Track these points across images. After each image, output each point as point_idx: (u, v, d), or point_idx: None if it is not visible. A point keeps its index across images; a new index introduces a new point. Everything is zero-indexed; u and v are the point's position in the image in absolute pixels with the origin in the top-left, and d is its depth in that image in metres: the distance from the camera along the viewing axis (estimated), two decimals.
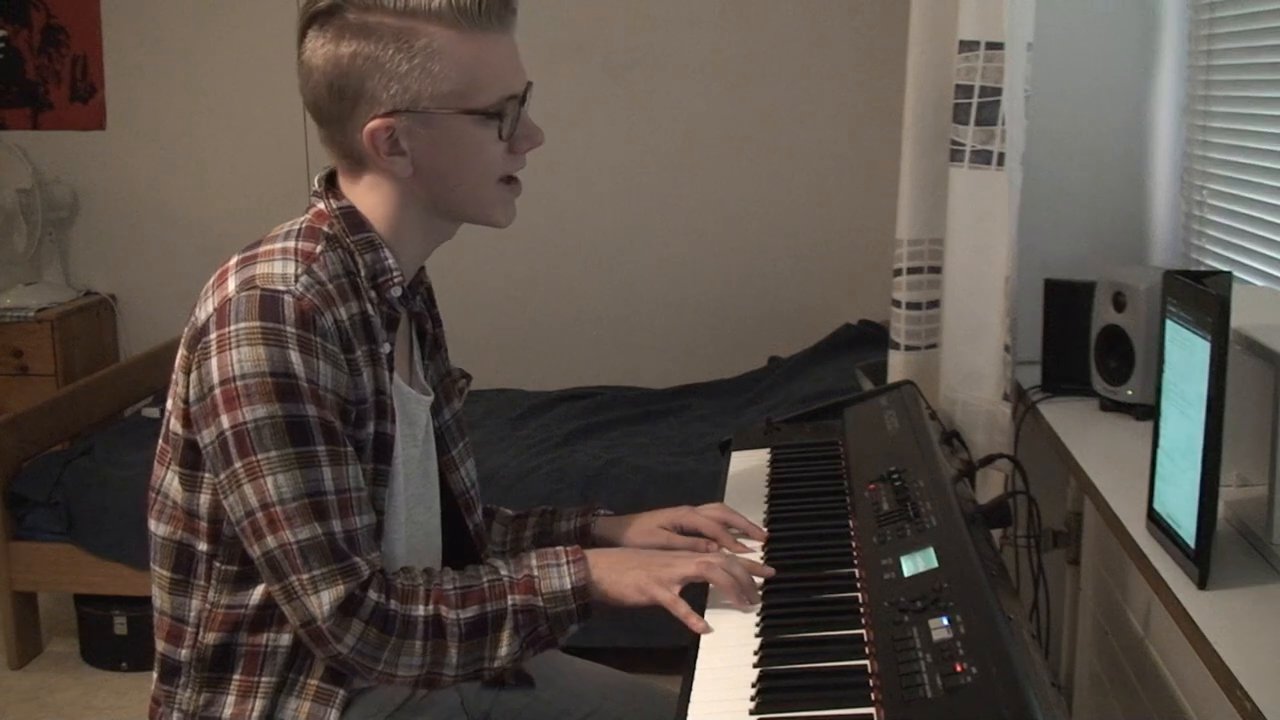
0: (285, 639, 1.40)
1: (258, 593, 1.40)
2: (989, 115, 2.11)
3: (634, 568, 1.43)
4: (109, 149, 4.29)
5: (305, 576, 1.32)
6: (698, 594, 1.45)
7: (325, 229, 1.41)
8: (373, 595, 1.34)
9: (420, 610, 1.36)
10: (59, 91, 4.28)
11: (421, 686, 1.41)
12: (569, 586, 1.40)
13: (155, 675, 1.48)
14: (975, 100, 2.13)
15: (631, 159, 4.16)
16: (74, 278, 4.36)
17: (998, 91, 2.10)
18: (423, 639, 1.36)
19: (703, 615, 1.41)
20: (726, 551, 1.53)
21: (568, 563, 1.42)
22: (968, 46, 2.13)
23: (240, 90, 4.21)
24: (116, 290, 4.36)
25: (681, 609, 1.39)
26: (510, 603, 1.39)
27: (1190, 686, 1.61)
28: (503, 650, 1.38)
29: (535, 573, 1.41)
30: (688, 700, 1.27)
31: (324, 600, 1.32)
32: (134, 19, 4.22)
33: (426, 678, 1.38)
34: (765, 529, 1.63)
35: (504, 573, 1.41)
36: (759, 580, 1.46)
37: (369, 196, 1.43)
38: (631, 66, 4.11)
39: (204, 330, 1.34)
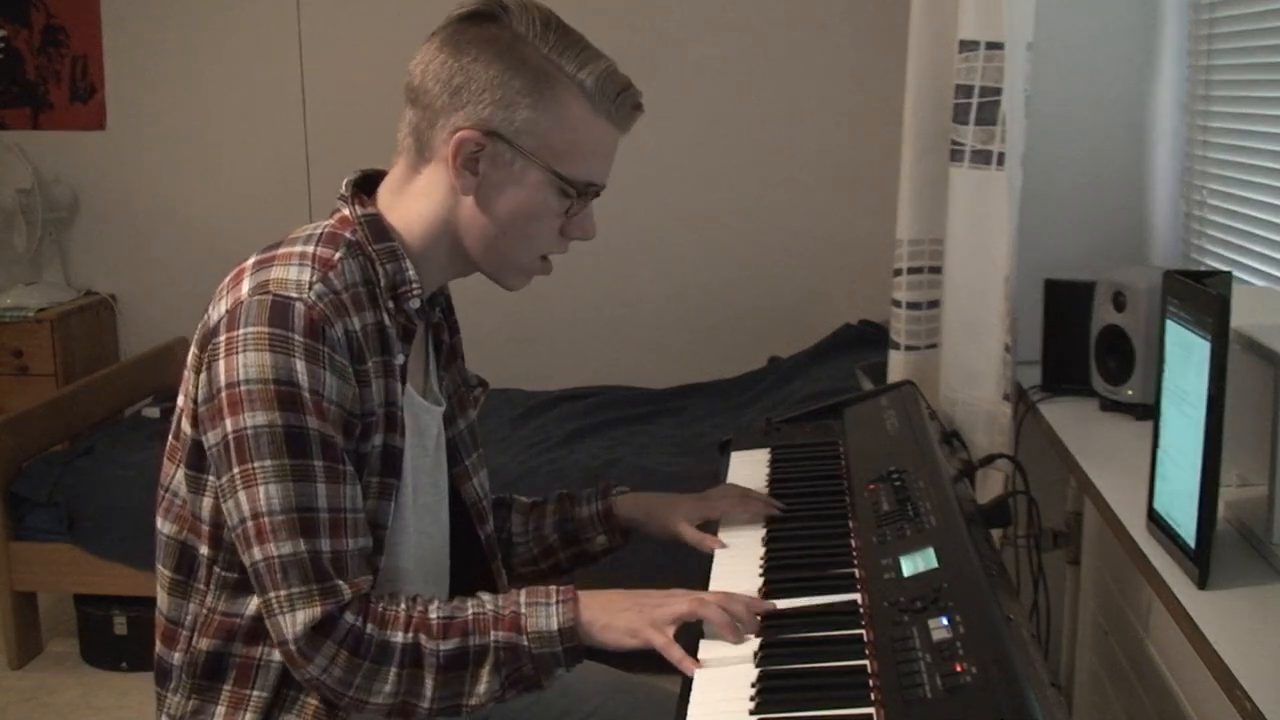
0: (279, 654, 1.38)
1: (254, 603, 1.38)
2: (989, 115, 2.11)
3: (626, 609, 1.38)
4: (109, 149, 4.29)
5: (283, 593, 1.30)
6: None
7: (348, 235, 1.40)
8: (348, 618, 1.31)
9: (399, 637, 1.33)
10: (59, 91, 4.28)
11: (396, 717, 1.36)
12: (555, 628, 1.36)
13: (154, 676, 1.47)
14: (975, 100, 2.13)
15: (630, 159, 4.15)
16: (74, 278, 4.36)
17: (998, 91, 2.10)
18: (398, 667, 1.33)
19: (700, 640, 1.37)
20: (723, 590, 1.47)
21: (557, 603, 1.37)
22: (968, 46, 2.13)
23: (241, 90, 4.21)
24: (116, 290, 4.36)
25: (675, 653, 1.35)
26: (493, 639, 1.35)
27: (1190, 686, 1.61)
28: (481, 687, 1.35)
29: (522, 610, 1.37)
30: (688, 700, 1.27)
31: (297, 620, 1.30)
32: (134, 19, 4.22)
33: (400, 707, 1.34)
34: (767, 518, 1.66)
35: (490, 606, 1.37)
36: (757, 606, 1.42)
37: (416, 201, 1.42)
38: (630, 67, 4.10)
39: (215, 331, 1.33)
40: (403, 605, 1.36)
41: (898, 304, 2.34)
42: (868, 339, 3.70)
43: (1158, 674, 1.74)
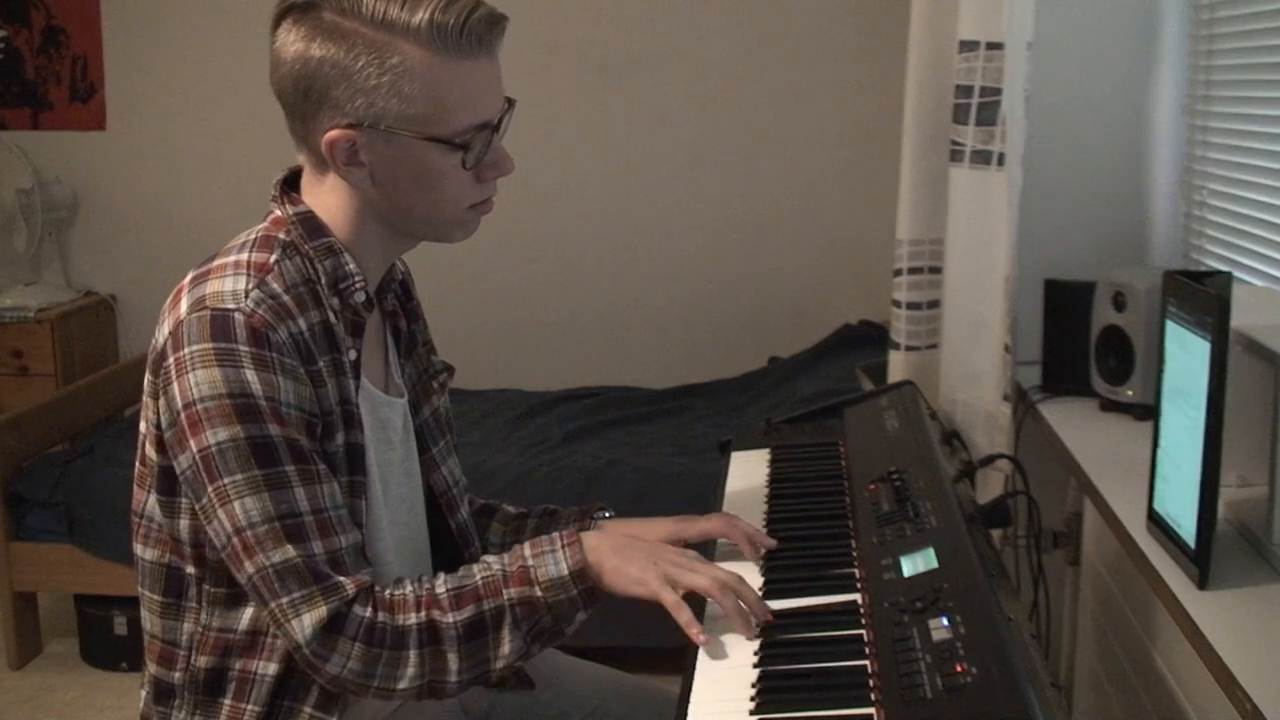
0: (273, 668, 1.38)
1: (247, 616, 1.37)
2: (989, 115, 2.12)
3: (640, 558, 1.36)
4: (109, 149, 4.29)
5: (285, 600, 1.29)
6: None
7: (281, 236, 1.38)
8: (358, 610, 1.30)
9: (413, 619, 1.32)
10: (59, 91, 4.28)
11: (426, 697, 1.36)
12: (566, 572, 1.34)
13: (148, 694, 1.46)
14: (975, 100, 2.13)
15: (631, 159, 4.16)
16: (74, 278, 4.36)
17: (998, 91, 2.10)
18: (418, 648, 1.32)
19: (702, 619, 1.37)
20: (738, 574, 1.43)
21: (563, 547, 1.36)
22: (968, 46, 2.13)
23: (240, 90, 4.20)
24: (116, 290, 4.36)
25: (684, 615, 1.34)
26: (507, 597, 1.34)
27: (1190, 686, 1.61)
28: (505, 649, 1.34)
29: (530, 562, 1.35)
30: (688, 700, 1.27)
31: (305, 624, 1.29)
32: (134, 19, 4.22)
33: (429, 687, 1.33)
34: (767, 519, 1.62)
35: (497, 568, 1.36)
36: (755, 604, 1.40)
37: (331, 198, 1.40)
38: (631, 67, 4.11)
39: (163, 355, 1.32)
40: (409, 587, 1.35)
41: (898, 304, 2.34)
42: (868, 339, 3.70)
43: (1158, 674, 1.74)
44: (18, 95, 4.29)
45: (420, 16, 1.29)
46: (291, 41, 1.33)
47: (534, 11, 3.83)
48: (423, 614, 1.33)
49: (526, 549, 1.38)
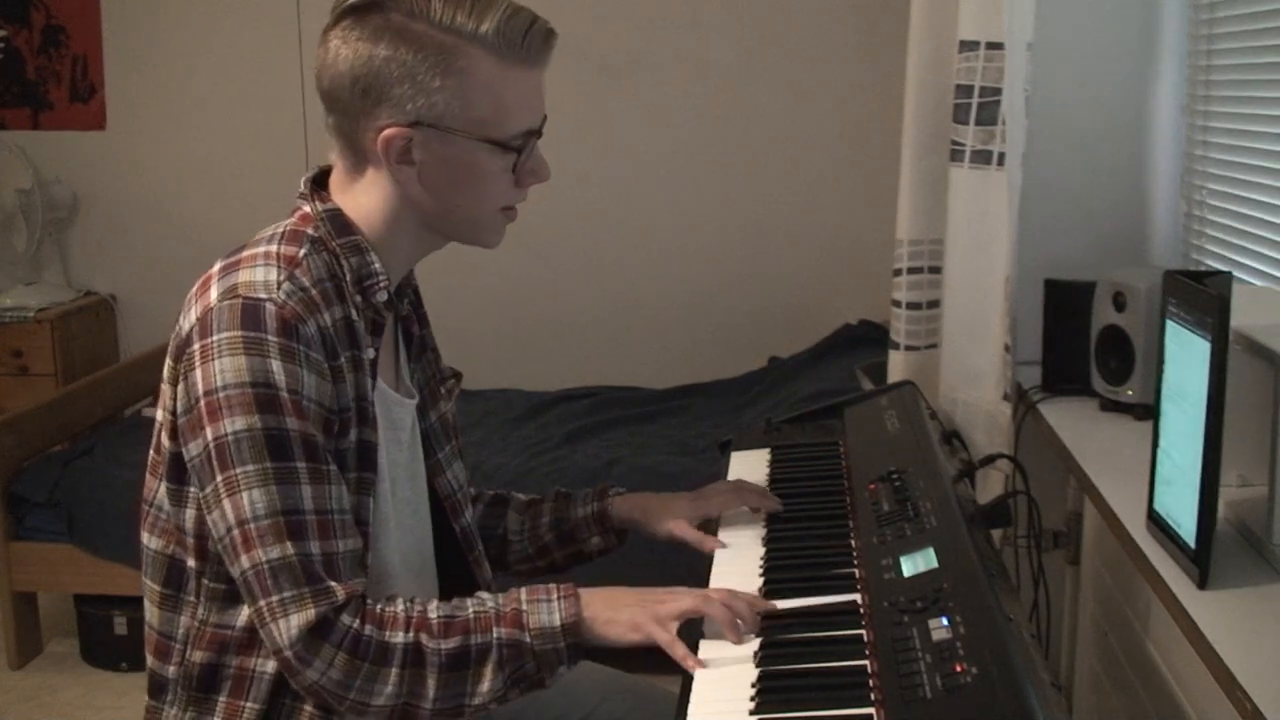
0: (272, 665, 1.37)
1: (245, 614, 1.37)
2: (989, 115, 2.11)
3: (629, 605, 1.38)
4: (109, 149, 4.29)
5: (275, 599, 1.29)
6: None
7: (310, 231, 1.40)
8: (346, 620, 1.30)
9: (400, 637, 1.32)
10: (59, 91, 4.28)
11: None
12: (558, 623, 1.35)
13: (147, 688, 1.46)
14: (975, 100, 2.13)
15: (631, 160, 4.16)
16: (74, 278, 4.36)
17: (998, 91, 2.10)
18: (399, 667, 1.31)
19: (701, 640, 1.37)
20: (728, 587, 1.46)
21: (558, 599, 1.37)
22: (968, 46, 2.13)
23: (240, 90, 4.21)
24: (116, 290, 4.36)
25: (679, 650, 1.34)
26: (495, 636, 1.34)
27: (1190, 686, 1.61)
28: (484, 686, 1.33)
29: (524, 607, 1.36)
30: (688, 700, 1.27)
31: (291, 625, 1.28)
32: (134, 19, 4.22)
33: (402, 710, 1.32)
34: (767, 518, 1.65)
35: (490, 605, 1.36)
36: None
37: (365, 196, 1.41)
38: (631, 68, 4.11)
39: (188, 341, 1.33)
40: (401, 606, 1.35)
41: (898, 304, 2.34)
42: (868, 339, 3.70)
43: (1158, 674, 1.74)
44: (18, 95, 4.29)
45: (488, 25, 1.34)
46: (354, 40, 1.35)
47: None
48: (411, 634, 1.32)
49: (523, 593, 1.38)
